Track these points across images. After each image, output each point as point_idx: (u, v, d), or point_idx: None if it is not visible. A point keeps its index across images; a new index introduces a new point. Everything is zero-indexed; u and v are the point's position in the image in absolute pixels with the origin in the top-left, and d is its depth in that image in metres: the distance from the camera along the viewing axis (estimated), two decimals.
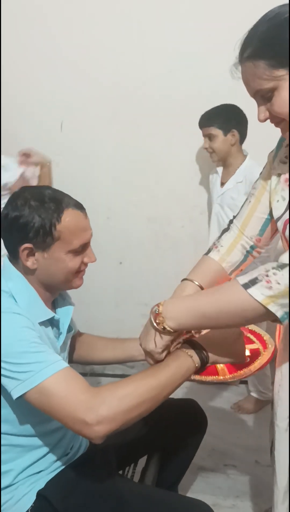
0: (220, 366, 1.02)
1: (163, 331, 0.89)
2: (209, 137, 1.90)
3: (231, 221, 1.09)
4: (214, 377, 0.99)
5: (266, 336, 1.10)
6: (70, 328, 1.10)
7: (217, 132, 1.87)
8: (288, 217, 0.92)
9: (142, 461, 1.23)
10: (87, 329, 2.49)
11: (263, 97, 0.85)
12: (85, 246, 0.97)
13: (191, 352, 0.91)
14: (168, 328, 0.88)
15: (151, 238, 2.32)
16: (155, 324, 0.89)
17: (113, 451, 1.09)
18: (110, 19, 2.00)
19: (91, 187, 2.25)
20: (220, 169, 1.98)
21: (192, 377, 0.96)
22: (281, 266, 0.80)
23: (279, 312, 0.80)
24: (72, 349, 1.19)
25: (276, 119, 0.88)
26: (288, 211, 0.93)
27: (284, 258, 0.81)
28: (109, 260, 2.37)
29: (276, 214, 0.97)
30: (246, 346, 1.06)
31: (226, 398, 2.08)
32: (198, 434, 1.26)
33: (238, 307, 0.82)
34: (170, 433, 1.21)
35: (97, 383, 2.24)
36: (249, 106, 0.93)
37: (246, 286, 0.81)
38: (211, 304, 0.86)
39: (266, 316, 0.81)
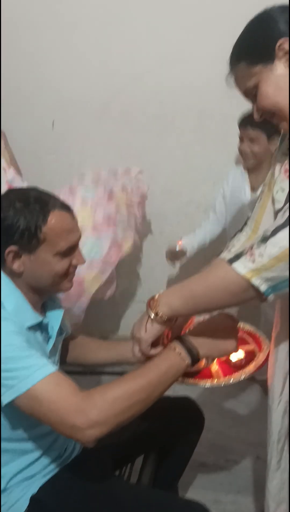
0: (214, 369, 1.01)
1: (156, 317, 0.89)
2: (250, 140, 1.75)
3: (245, 223, 1.10)
4: (208, 380, 0.98)
5: (262, 337, 1.09)
6: (61, 331, 1.09)
7: (260, 135, 1.72)
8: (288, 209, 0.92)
9: (139, 460, 1.23)
10: (85, 327, 2.50)
11: (251, 96, 0.90)
12: (72, 248, 0.95)
13: (181, 350, 0.90)
14: (161, 314, 0.89)
15: (147, 235, 2.30)
16: (149, 310, 0.90)
17: (109, 451, 1.08)
18: (99, 14, 1.98)
19: None
20: (242, 172, 1.85)
21: (185, 381, 0.95)
22: (265, 239, 0.80)
23: (262, 286, 0.80)
24: (65, 351, 1.18)
25: (267, 115, 0.91)
26: (288, 203, 0.93)
27: (268, 230, 0.81)
28: None
29: (277, 207, 0.97)
30: (241, 347, 1.05)
31: (226, 392, 2.07)
32: (195, 432, 1.26)
33: (223, 282, 0.83)
34: (167, 431, 1.20)
35: (97, 381, 2.23)
36: (239, 102, 0.96)
37: (231, 260, 0.82)
38: (198, 282, 0.87)
39: (253, 292, 0.81)
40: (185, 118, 2.09)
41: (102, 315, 2.45)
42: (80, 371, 2.21)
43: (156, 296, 0.91)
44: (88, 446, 0.81)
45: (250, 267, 0.79)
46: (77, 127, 2.15)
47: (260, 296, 0.82)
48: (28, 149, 2.17)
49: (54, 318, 1.02)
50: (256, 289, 0.80)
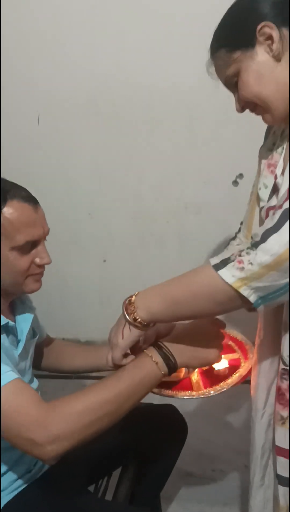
0: (194, 379, 0.94)
1: (134, 323, 0.83)
2: None
3: (239, 229, 1.04)
4: (187, 392, 0.91)
5: (248, 345, 1.02)
6: (34, 334, 1.02)
7: None
8: (270, 205, 0.86)
9: (117, 473, 1.16)
10: (72, 329, 2.43)
11: (232, 85, 0.84)
12: (34, 244, 0.87)
13: (158, 358, 0.83)
14: (139, 319, 0.82)
15: (135, 235, 2.24)
16: (126, 315, 0.84)
17: (83, 464, 1.01)
18: (87, 9, 1.90)
19: (72, 183, 2.17)
20: None
21: (162, 392, 0.89)
22: (255, 245, 0.72)
23: (252, 297, 0.73)
24: (39, 356, 1.12)
25: (249, 106, 0.85)
26: (271, 200, 0.87)
27: (257, 235, 0.73)
28: (92, 258, 2.30)
29: (260, 205, 0.91)
30: (226, 355, 0.98)
31: (213, 399, 2.00)
32: (177, 443, 1.19)
33: (209, 290, 0.76)
34: (146, 442, 1.13)
35: (82, 386, 2.15)
36: (231, 102, 0.89)
37: (217, 267, 0.74)
38: (181, 287, 0.80)
39: (241, 301, 0.74)
40: (175, 118, 2.02)
41: (88, 318, 2.38)
42: (64, 375, 2.14)
43: (133, 298, 0.85)
44: (48, 463, 0.74)
45: (239, 275, 0.72)
46: (64, 124, 2.08)
47: (248, 306, 0.75)
48: (13, 144, 2.10)
49: (24, 321, 0.96)
50: (244, 299, 0.73)
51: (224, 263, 0.74)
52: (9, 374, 0.76)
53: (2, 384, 0.74)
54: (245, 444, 1.70)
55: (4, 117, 2.06)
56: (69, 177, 2.16)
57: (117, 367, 0.88)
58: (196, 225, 2.18)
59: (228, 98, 0.92)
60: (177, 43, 1.90)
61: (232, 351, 1.01)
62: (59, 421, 0.73)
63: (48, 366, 1.14)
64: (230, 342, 1.04)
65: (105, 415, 0.76)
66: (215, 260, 0.76)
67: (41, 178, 2.06)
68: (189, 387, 0.93)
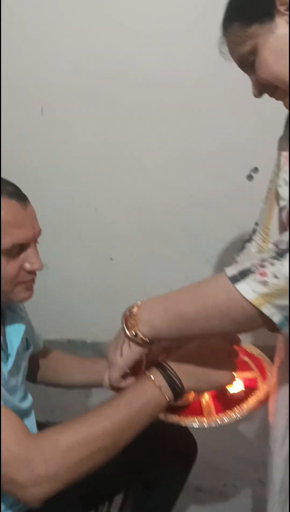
0: (205, 402, 0.83)
1: (135, 339, 0.72)
2: None
3: (253, 231, 0.93)
4: (196, 418, 0.80)
5: (266, 362, 0.90)
6: (27, 345, 0.93)
7: None
8: None
9: (119, 498, 1.07)
10: (77, 332, 2.33)
11: (248, 66, 0.74)
12: (23, 248, 0.77)
13: (161, 382, 0.72)
14: (140, 335, 0.71)
15: (141, 232, 2.13)
16: (126, 329, 0.72)
17: (79, 489, 0.91)
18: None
19: (76, 177, 2.07)
20: None
21: (168, 418, 0.78)
22: (280, 254, 0.60)
23: (276, 317, 0.61)
24: (35, 368, 1.03)
25: (268, 90, 0.75)
26: None
27: (282, 242, 0.62)
28: (97, 256, 2.20)
29: (280, 204, 0.81)
30: (241, 374, 0.87)
31: None
32: (184, 464, 1.09)
33: (223, 307, 0.64)
34: (150, 464, 1.03)
35: (87, 395, 2.06)
36: (240, 86, 0.81)
37: (235, 279, 0.62)
38: (191, 301, 0.69)
39: (261, 321, 0.62)
40: (180, 104, 1.89)
41: (95, 319, 2.29)
42: None
43: (135, 310, 0.73)
44: (33, 506, 0.64)
45: (261, 291, 0.60)
46: (67, 116, 1.97)
47: (271, 326, 0.64)
48: (16, 136, 2.01)
49: (14, 333, 0.86)
50: (266, 319, 0.62)
51: (243, 275, 0.62)
52: None
53: None
54: (258, 456, 1.59)
55: (8, 109, 1.96)
56: (73, 171, 2.05)
57: (115, 388, 0.78)
58: (205, 222, 2.07)
59: (242, 80, 0.81)
60: (183, 24, 1.77)
61: (248, 368, 0.90)
62: (44, 459, 0.63)
63: (44, 380, 1.05)
64: (245, 358, 0.92)
65: (99, 450, 0.66)
66: (232, 271, 0.64)
67: (43, 171, 1.98)
68: (199, 411, 0.82)
